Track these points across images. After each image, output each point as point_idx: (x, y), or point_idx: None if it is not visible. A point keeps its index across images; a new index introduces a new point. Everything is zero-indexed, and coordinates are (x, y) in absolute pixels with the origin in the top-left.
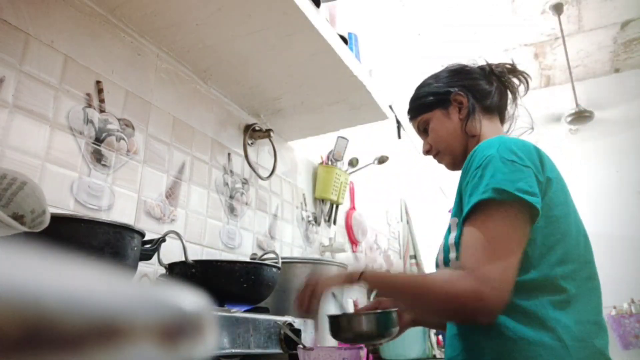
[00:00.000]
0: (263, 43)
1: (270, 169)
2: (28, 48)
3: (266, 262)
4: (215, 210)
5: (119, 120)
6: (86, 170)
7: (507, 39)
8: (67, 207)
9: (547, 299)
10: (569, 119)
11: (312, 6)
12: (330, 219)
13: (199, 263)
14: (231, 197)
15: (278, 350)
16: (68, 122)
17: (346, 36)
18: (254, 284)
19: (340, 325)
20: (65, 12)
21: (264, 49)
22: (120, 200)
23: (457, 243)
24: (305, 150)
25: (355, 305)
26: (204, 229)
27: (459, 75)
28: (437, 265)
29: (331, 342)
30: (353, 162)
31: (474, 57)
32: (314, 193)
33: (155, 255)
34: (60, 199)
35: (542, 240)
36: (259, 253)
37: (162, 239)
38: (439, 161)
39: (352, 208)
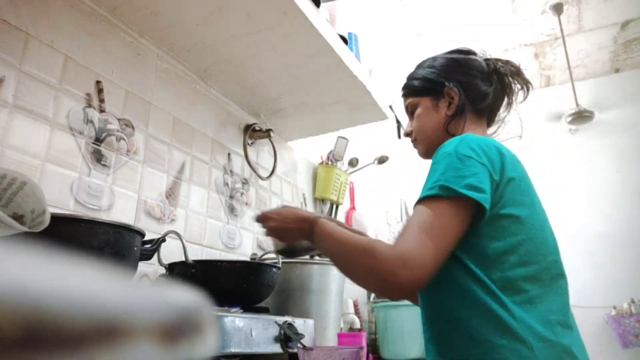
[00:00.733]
0: (263, 43)
1: (270, 169)
2: (28, 48)
3: (266, 262)
4: (215, 210)
5: (119, 120)
6: (86, 170)
7: (507, 39)
8: (67, 207)
9: (510, 300)
10: (569, 119)
11: (312, 6)
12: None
13: (199, 263)
14: (231, 197)
15: (278, 350)
16: (68, 122)
17: (346, 36)
18: (254, 284)
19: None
20: (65, 12)
21: (264, 49)
22: (120, 200)
23: None
24: (305, 150)
25: (355, 305)
26: (204, 229)
27: (460, 69)
28: None
29: (331, 342)
30: (353, 162)
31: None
32: (314, 193)
33: (155, 255)
34: (60, 199)
35: (504, 241)
36: (259, 253)
37: (162, 239)
38: (414, 147)
39: (352, 208)
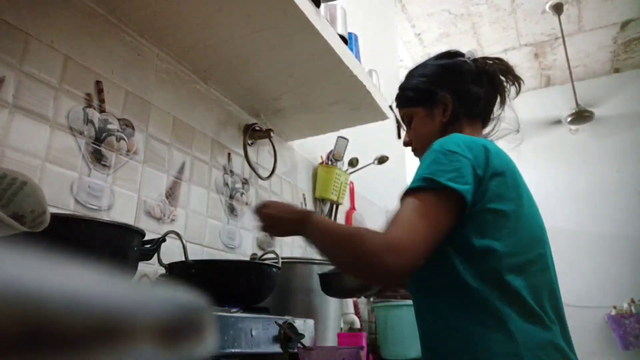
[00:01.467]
0: (263, 43)
1: (270, 169)
2: (28, 48)
3: (266, 262)
4: (215, 210)
5: (119, 120)
6: (86, 170)
7: (507, 39)
8: (67, 207)
9: (496, 293)
10: (569, 119)
11: (312, 6)
12: (331, 219)
13: (199, 263)
14: (231, 197)
15: (278, 350)
16: (68, 122)
17: (346, 36)
18: (254, 284)
19: (330, 283)
20: (65, 12)
21: (264, 49)
22: (120, 200)
23: None
24: (305, 150)
25: (355, 305)
26: (204, 229)
27: (451, 76)
28: None
29: (331, 342)
30: (353, 162)
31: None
32: (314, 193)
33: (155, 255)
34: (60, 199)
35: (489, 235)
36: (259, 253)
37: (162, 239)
38: (415, 155)
39: (352, 208)
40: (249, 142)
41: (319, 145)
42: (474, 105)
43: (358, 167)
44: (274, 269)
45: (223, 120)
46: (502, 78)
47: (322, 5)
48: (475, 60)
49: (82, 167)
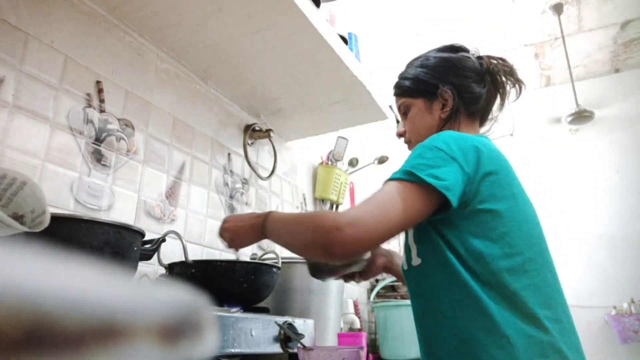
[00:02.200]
0: (263, 43)
1: (270, 169)
2: (28, 48)
3: (266, 262)
4: (215, 210)
5: (119, 120)
6: (86, 170)
7: (507, 39)
8: (67, 207)
9: (495, 295)
10: (569, 119)
11: (312, 6)
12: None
13: (199, 263)
14: (231, 197)
15: (278, 350)
16: (68, 122)
17: (346, 36)
18: (254, 284)
19: (315, 266)
20: (65, 12)
21: (264, 49)
22: (120, 200)
23: (417, 240)
24: (305, 150)
25: (355, 305)
26: (204, 229)
27: (453, 70)
28: (402, 268)
29: (331, 342)
30: (353, 162)
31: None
32: (314, 193)
33: (155, 255)
34: (60, 199)
35: (485, 235)
36: (259, 253)
37: (162, 239)
38: (409, 148)
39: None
40: (249, 142)
41: (319, 145)
42: (474, 104)
43: (358, 167)
44: (274, 269)
45: (223, 120)
46: (504, 79)
47: (322, 5)
48: (479, 57)
49: (82, 167)
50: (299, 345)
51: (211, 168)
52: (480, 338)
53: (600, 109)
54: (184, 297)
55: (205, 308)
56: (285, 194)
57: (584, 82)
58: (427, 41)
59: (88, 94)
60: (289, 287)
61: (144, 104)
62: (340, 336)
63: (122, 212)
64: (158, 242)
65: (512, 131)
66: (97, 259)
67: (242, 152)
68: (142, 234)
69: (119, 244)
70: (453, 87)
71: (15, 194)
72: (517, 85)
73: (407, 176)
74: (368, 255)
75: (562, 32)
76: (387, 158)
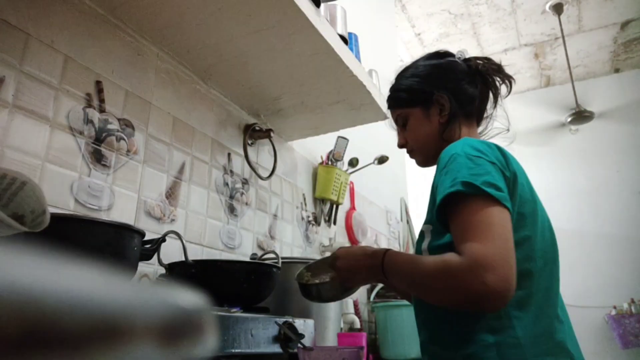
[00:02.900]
0: (263, 43)
1: (270, 169)
2: (28, 48)
3: (266, 262)
4: (215, 210)
5: (119, 120)
6: (86, 170)
7: (507, 39)
8: (67, 207)
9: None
10: (569, 119)
11: (312, 6)
12: (330, 219)
13: (199, 263)
14: (231, 197)
15: (278, 350)
16: (68, 122)
17: (346, 36)
18: (254, 284)
19: (309, 292)
20: (65, 12)
21: (264, 49)
22: (120, 200)
23: (431, 248)
24: (305, 150)
25: (355, 305)
26: (204, 229)
27: (445, 75)
28: None
29: (331, 342)
30: (353, 162)
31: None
32: (314, 193)
33: (155, 255)
34: (60, 199)
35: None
36: (259, 253)
37: (162, 239)
38: (411, 157)
39: (352, 208)
40: (249, 142)
41: (319, 145)
42: (469, 105)
43: (358, 167)
44: (274, 269)
45: (223, 120)
46: (494, 77)
47: (322, 5)
48: (466, 60)
49: (82, 167)
50: (299, 345)
51: (211, 168)
52: (489, 338)
53: (600, 109)
54: (184, 297)
55: (205, 308)
56: (285, 194)
57: (584, 82)
58: (427, 41)
59: (88, 94)
60: (289, 287)
61: (144, 104)
62: (340, 336)
63: (122, 212)
64: (158, 242)
65: (508, 126)
66: (97, 259)
67: (242, 152)
68: (142, 234)
69: (119, 244)
70: (448, 91)
71: (15, 194)
72: (507, 81)
73: (466, 187)
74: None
75: (562, 32)
76: (387, 158)
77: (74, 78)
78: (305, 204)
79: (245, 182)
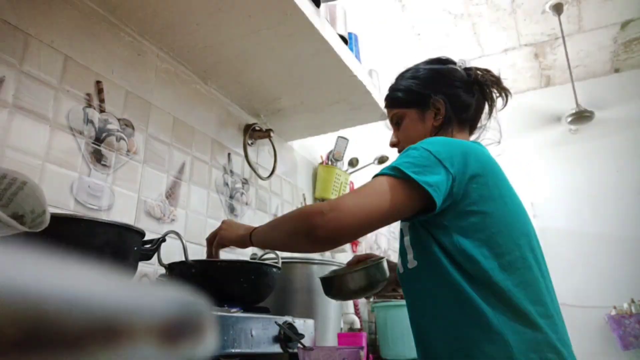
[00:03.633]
0: (263, 43)
1: (270, 169)
2: (28, 48)
3: (266, 262)
4: (215, 210)
5: (119, 120)
6: (86, 170)
7: (507, 39)
8: (67, 207)
9: (488, 293)
10: (569, 119)
11: (312, 6)
12: None
13: (199, 263)
14: (231, 197)
15: (278, 350)
16: (68, 122)
17: (346, 36)
18: (254, 284)
19: (333, 286)
20: (65, 12)
21: (264, 49)
22: (120, 200)
23: (414, 243)
24: (305, 150)
25: (355, 305)
26: (204, 229)
27: (443, 80)
28: (398, 272)
29: (331, 342)
30: (353, 162)
31: (466, 58)
32: (314, 193)
33: (155, 255)
34: (60, 199)
35: (476, 236)
36: (259, 253)
37: (162, 239)
38: None
39: None
40: (249, 142)
41: (319, 145)
42: (464, 112)
43: (358, 167)
44: (274, 269)
45: (223, 120)
46: (492, 89)
47: (322, 5)
48: (467, 69)
49: (82, 167)
50: (299, 345)
51: (211, 168)
52: (474, 336)
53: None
54: (184, 297)
55: (205, 308)
56: (285, 194)
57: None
58: (427, 41)
59: (88, 94)
60: (289, 287)
61: (144, 104)
62: (340, 336)
63: (122, 212)
64: (158, 242)
65: (499, 139)
66: (97, 259)
67: (242, 152)
68: (142, 234)
69: (119, 244)
70: (445, 96)
71: (15, 194)
72: (503, 94)
73: (393, 172)
74: (387, 275)
75: (562, 32)
76: (387, 158)
77: (74, 78)
78: (305, 204)
79: (245, 182)
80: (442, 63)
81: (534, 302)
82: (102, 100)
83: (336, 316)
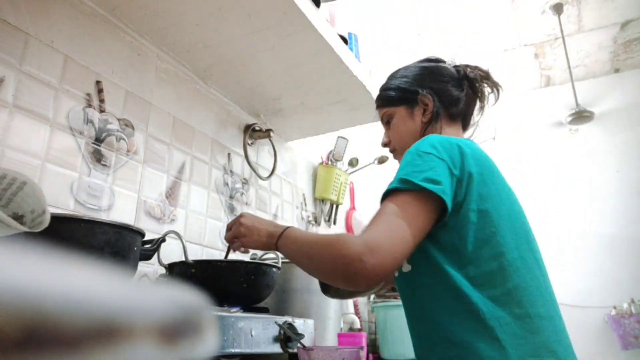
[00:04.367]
0: (263, 43)
1: (270, 169)
2: (28, 48)
3: (266, 262)
4: (215, 210)
5: (119, 120)
6: (86, 170)
7: (507, 39)
8: (67, 207)
9: (487, 296)
10: (569, 119)
11: (312, 6)
12: (330, 219)
13: (199, 263)
14: (231, 197)
15: (278, 350)
16: (68, 122)
17: (346, 36)
18: (254, 284)
19: (330, 286)
20: (65, 12)
21: (264, 49)
22: (120, 200)
23: None
24: (305, 150)
25: (355, 305)
26: (204, 229)
27: (431, 76)
28: (393, 276)
29: (331, 342)
30: (353, 162)
31: (455, 57)
32: (314, 193)
33: (155, 255)
34: (60, 199)
35: (475, 235)
36: (259, 253)
37: (162, 239)
38: (394, 157)
39: (352, 208)
40: (249, 142)
41: (319, 145)
42: (453, 106)
43: (358, 167)
44: (274, 269)
45: (223, 120)
46: (482, 84)
47: (322, 5)
48: (456, 66)
49: (82, 167)
50: (299, 345)
51: (211, 168)
52: (472, 341)
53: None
54: (184, 297)
55: (205, 308)
56: (285, 194)
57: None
58: (427, 41)
59: (88, 94)
60: (289, 287)
61: (144, 104)
62: (340, 336)
63: (122, 212)
64: (158, 242)
65: (494, 135)
66: (97, 259)
67: (242, 152)
68: (142, 234)
69: (119, 244)
70: (432, 91)
71: (15, 194)
72: (494, 89)
73: (403, 184)
74: None
75: (562, 32)
76: (387, 158)
77: (74, 78)
78: (305, 204)
79: (245, 182)
80: (432, 61)
81: (534, 303)
82: (102, 100)
83: (336, 316)
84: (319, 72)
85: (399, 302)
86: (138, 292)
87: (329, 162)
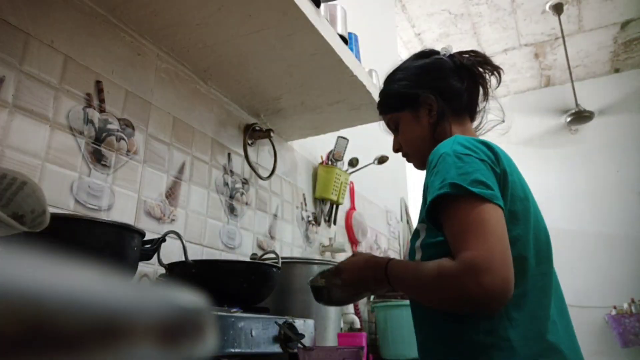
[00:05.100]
0: (263, 43)
1: (270, 169)
2: (28, 48)
3: (266, 262)
4: (215, 210)
5: (119, 120)
6: (86, 170)
7: (507, 39)
8: (67, 207)
9: None
10: (569, 119)
11: (312, 6)
12: (330, 219)
13: (199, 263)
14: (231, 197)
15: (278, 350)
16: (68, 122)
17: (346, 36)
18: (254, 284)
19: (322, 297)
20: (65, 12)
21: (264, 49)
22: (120, 200)
23: (424, 246)
24: (305, 150)
25: (355, 305)
26: (204, 229)
27: (429, 75)
28: None
29: (331, 342)
30: (353, 162)
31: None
32: (314, 193)
33: (155, 255)
34: (60, 199)
35: None
36: (259, 253)
37: (162, 239)
38: (408, 161)
39: (352, 208)
40: (249, 142)
41: (319, 145)
42: (457, 101)
43: (358, 167)
44: (274, 269)
45: (223, 120)
46: (481, 69)
47: (322, 5)
48: (451, 56)
49: (82, 167)
50: (299, 345)
51: (211, 168)
52: (480, 340)
53: (600, 109)
54: (184, 297)
55: (205, 308)
56: (285, 194)
57: (584, 82)
58: (427, 41)
59: (88, 94)
60: (289, 287)
61: (144, 104)
62: (340, 336)
63: (122, 212)
64: (158, 242)
65: (503, 117)
66: (97, 259)
67: (242, 152)
68: (142, 234)
69: (119, 244)
70: (433, 90)
71: (15, 194)
72: (495, 72)
73: (454, 189)
74: None
75: (562, 32)
76: (387, 158)
77: (74, 78)
78: (305, 204)
79: (245, 182)
80: (426, 56)
81: (546, 306)
82: (102, 100)
83: (336, 316)
84: (319, 72)
85: (399, 302)
86: (138, 292)
87: (329, 162)
